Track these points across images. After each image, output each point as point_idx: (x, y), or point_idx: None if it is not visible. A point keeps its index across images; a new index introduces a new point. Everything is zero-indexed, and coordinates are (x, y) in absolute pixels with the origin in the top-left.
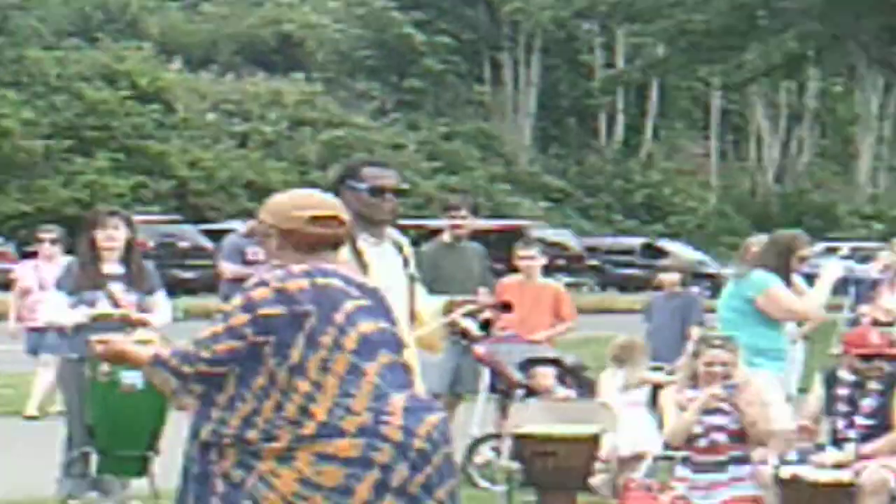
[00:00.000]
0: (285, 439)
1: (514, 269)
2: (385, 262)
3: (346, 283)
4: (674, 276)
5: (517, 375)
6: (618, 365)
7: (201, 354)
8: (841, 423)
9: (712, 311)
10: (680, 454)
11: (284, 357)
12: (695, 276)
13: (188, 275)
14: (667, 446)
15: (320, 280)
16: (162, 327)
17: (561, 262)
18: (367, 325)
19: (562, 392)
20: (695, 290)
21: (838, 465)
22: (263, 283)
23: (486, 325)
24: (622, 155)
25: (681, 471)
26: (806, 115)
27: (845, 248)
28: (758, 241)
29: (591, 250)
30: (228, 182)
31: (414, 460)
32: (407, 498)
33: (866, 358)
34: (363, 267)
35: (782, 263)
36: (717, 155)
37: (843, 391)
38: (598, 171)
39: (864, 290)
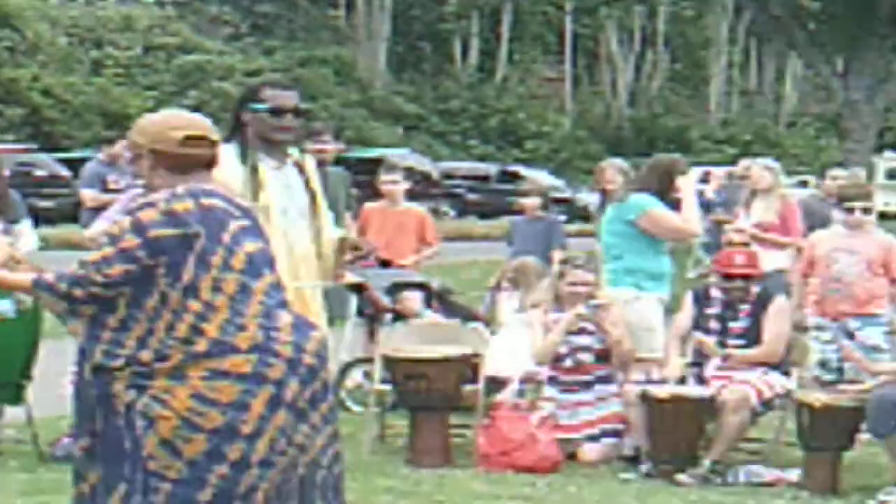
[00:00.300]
0: (177, 358)
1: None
2: (283, 184)
3: (228, 203)
4: (535, 200)
5: (385, 300)
6: (513, 287)
7: (94, 278)
8: (713, 338)
9: (569, 235)
10: (546, 374)
11: (176, 278)
12: (551, 201)
13: (46, 204)
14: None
15: (205, 201)
16: (28, 255)
17: (418, 188)
18: (251, 245)
19: (429, 316)
20: (556, 215)
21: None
22: (150, 205)
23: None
24: (477, 80)
25: (548, 391)
26: (658, 40)
27: (721, 172)
28: (609, 165)
29: (448, 176)
30: (83, 109)
31: (303, 375)
32: (296, 412)
33: (729, 277)
34: (258, 187)
35: (663, 187)
36: (571, 80)
37: (713, 310)
38: (453, 96)
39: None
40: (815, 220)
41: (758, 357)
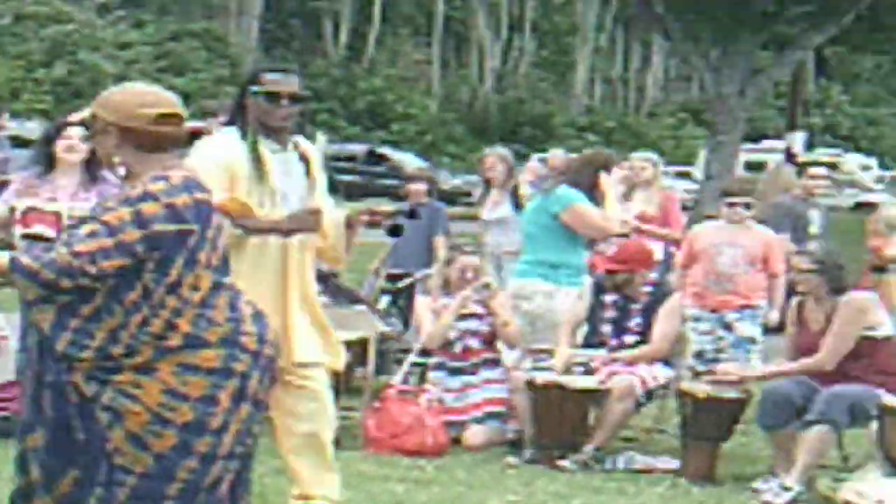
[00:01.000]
0: (147, 353)
1: None
2: (284, 169)
3: (210, 195)
4: (421, 186)
5: None
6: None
7: (87, 269)
8: (606, 329)
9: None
10: (434, 359)
11: (164, 274)
12: None
13: None
14: (422, 352)
15: (199, 195)
16: None
17: None
18: (223, 240)
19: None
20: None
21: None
22: (152, 197)
23: (395, 231)
24: (347, 60)
25: (435, 374)
26: (526, 25)
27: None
28: (493, 153)
29: None
30: None
31: (263, 367)
32: (255, 403)
33: (608, 273)
34: (262, 171)
35: (593, 183)
36: (439, 62)
37: (609, 297)
38: (322, 75)
39: None
40: (797, 222)
41: (645, 357)
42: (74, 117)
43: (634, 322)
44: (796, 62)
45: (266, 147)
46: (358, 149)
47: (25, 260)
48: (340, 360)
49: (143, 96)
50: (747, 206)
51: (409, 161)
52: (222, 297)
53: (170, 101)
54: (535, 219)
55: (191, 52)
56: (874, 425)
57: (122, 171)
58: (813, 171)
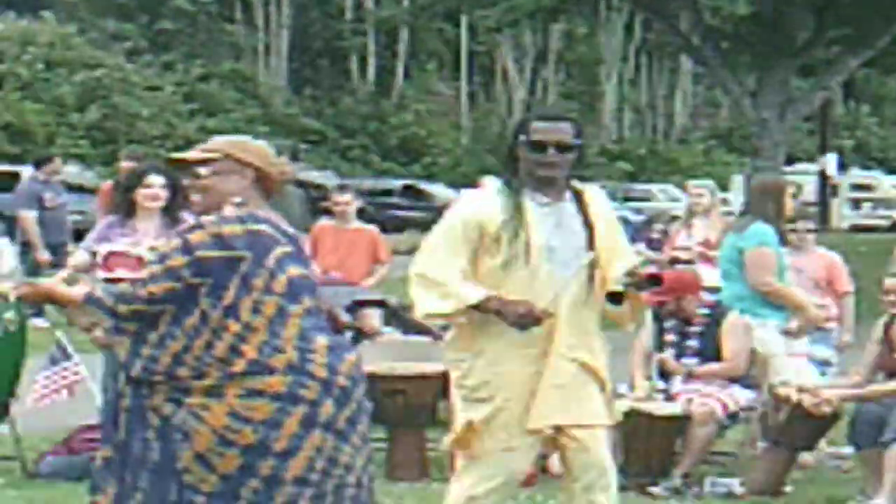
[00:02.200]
0: (214, 376)
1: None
2: (555, 222)
3: (275, 230)
4: None
5: (345, 317)
6: None
7: (139, 294)
8: (668, 353)
9: None
10: None
11: (219, 298)
12: None
13: None
14: None
15: (252, 226)
16: (10, 273)
17: (325, 203)
18: (293, 270)
19: (388, 333)
20: None
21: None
22: (200, 227)
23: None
24: (375, 96)
25: None
26: (550, 57)
27: None
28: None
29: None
30: None
31: (338, 396)
32: (335, 433)
33: (658, 304)
34: (520, 224)
35: (778, 211)
36: (468, 96)
37: (668, 324)
38: (352, 112)
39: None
40: None
41: (721, 372)
42: (191, 154)
43: (693, 344)
44: (831, 86)
45: (533, 199)
46: (394, 183)
47: (97, 292)
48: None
49: (270, 149)
50: (809, 230)
51: (444, 194)
52: (290, 324)
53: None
54: (727, 255)
55: (221, 93)
56: None
57: (228, 210)
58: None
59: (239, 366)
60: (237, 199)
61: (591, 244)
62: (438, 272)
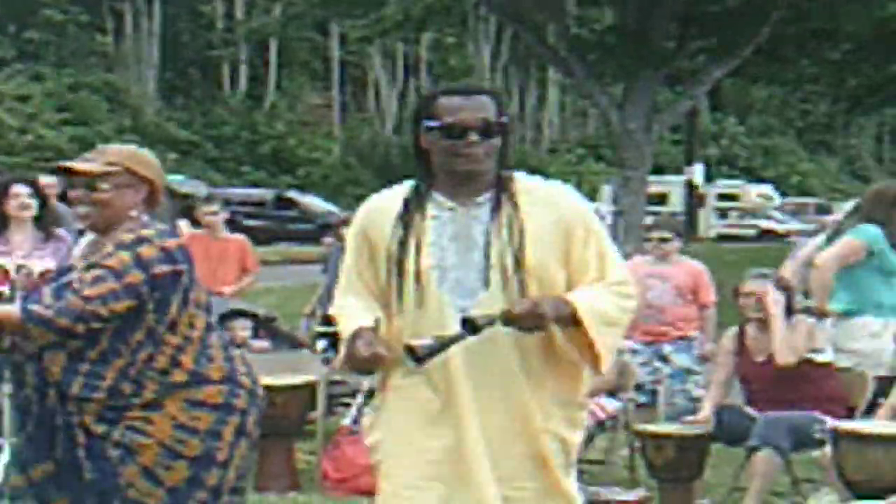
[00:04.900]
0: (152, 389)
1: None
2: (452, 234)
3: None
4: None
5: None
6: None
7: (99, 312)
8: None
9: None
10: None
11: (164, 314)
12: (325, 226)
13: None
14: (370, 392)
15: (180, 240)
16: None
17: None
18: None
19: (257, 344)
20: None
21: None
22: (146, 241)
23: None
24: (247, 106)
25: None
26: (421, 66)
27: None
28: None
29: (225, 202)
30: None
31: (258, 405)
32: (250, 440)
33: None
34: (408, 237)
35: (888, 216)
36: (339, 106)
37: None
38: (224, 122)
39: None
40: None
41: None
42: (90, 167)
43: None
44: (697, 96)
45: (436, 203)
46: (266, 193)
47: (38, 309)
48: None
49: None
50: (670, 239)
51: (316, 205)
52: (215, 336)
53: None
54: None
55: (92, 103)
56: (827, 450)
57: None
58: None
59: (179, 376)
60: (133, 213)
61: (517, 261)
62: (337, 301)
